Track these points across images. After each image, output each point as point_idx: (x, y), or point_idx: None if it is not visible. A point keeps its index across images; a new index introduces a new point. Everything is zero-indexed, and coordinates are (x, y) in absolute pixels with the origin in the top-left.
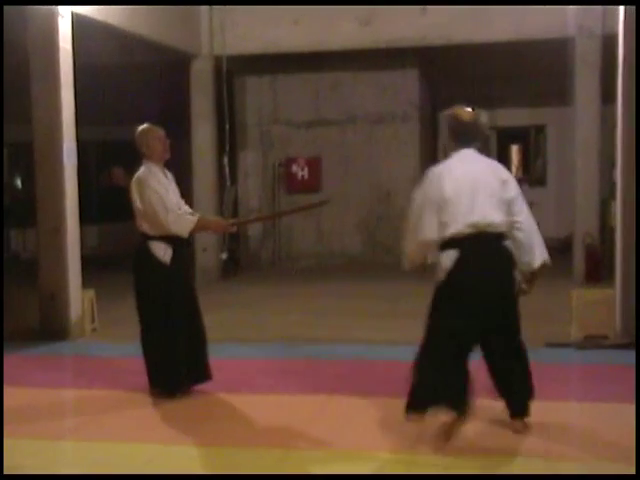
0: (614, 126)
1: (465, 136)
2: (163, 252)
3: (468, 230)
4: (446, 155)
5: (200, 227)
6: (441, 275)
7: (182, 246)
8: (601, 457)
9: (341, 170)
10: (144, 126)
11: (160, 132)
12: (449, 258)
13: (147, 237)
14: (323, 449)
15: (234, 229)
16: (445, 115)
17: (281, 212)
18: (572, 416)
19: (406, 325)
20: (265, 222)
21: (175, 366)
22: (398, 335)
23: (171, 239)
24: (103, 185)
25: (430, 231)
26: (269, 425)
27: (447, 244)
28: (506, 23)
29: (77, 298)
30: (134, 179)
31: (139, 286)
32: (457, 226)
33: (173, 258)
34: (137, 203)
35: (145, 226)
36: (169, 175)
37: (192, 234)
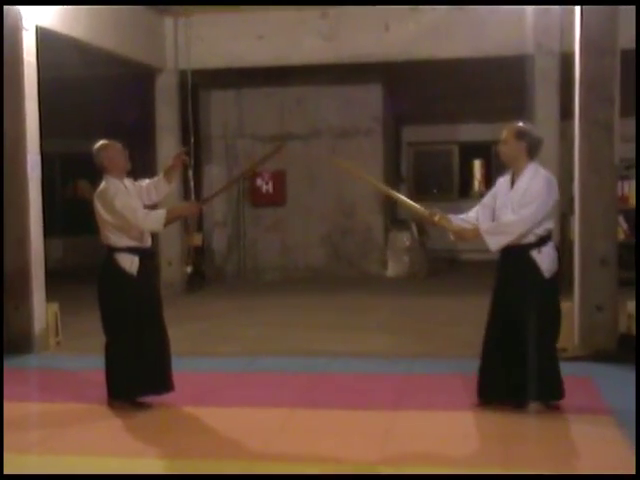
0: (572, 141)
1: (538, 150)
2: (130, 263)
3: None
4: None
5: (171, 216)
6: (554, 266)
7: (148, 257)
8: (574, 469)
9: (305, 184)
10: (102, 142)
11: (118, 145)
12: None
13: (113, 249)
14: (286, 461)
15: (203, 206)
16: (523, 129)
17: (243, 173)
18: (531, 427)
19: (369, 337)
20: (229, 188)
21: (138, 375)
22: (362, 347)
23: (137, 250)
24: (68, 198)
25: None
26: (233, 437)
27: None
28: (467, 40)
29: (41, 311)
30: (97, 193)
31: (105, 297)
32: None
33: (139, 269)
34: (103, 215)
35: (112, 238)
36: (133, 186)
37: (167, 225)
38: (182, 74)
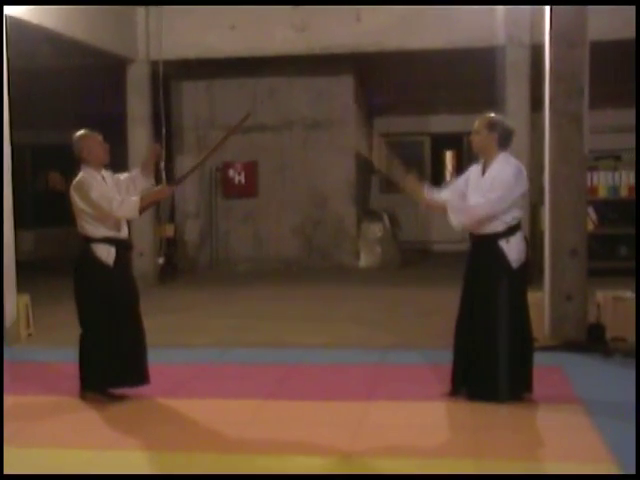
0: (543, 132)
1: (509, 141)
2: (106, 254)
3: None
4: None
5: (146, 202)
6: (521, 256)
7: (125, 248)
8: (544, 458)
9: (278, 175)
10: (82, 132)
11: (98, 137)
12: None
13: (89, 240)
14: (257, 453)
15: (175, 188)
16: (494, 120)
17: (212, 148)
18: (500, 416)
19: (342, 328)
20: (201, 165)
21: (114, 367)
22: (334, 338)
23: (114, 241)
24: (39, 189)
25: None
26: (206, 429)
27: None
28: (438, 31)
29: (12, 303)
30: (74, 183)
31: (81, 288)
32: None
33: (116, 260)
34: (80, 205)
35: (88, 228)
36: (111, 178)
37: (142, 211)
38: (153, 65)
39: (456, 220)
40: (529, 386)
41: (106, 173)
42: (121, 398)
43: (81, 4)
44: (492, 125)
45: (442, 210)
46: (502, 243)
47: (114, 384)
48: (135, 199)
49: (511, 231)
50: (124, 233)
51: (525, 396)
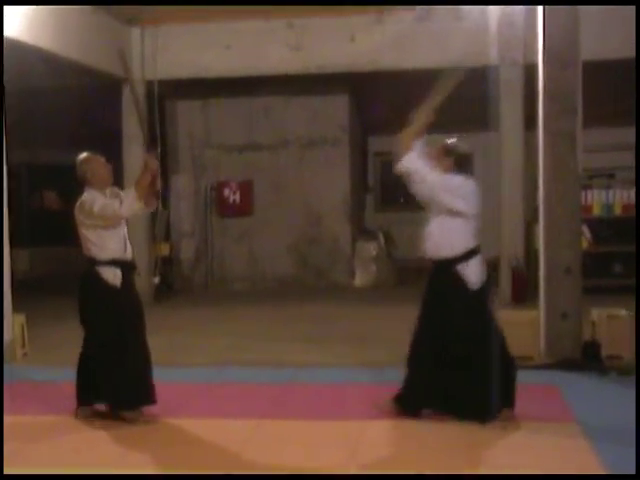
0: (536, 151)
1: (465, 164)
2: (112, 276)
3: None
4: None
5: (139, 187)
6: (480, 279)
7: (129, 269)
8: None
9: (273, 194)
10: (86, 154)
11: (102, 159)
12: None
13: (95, 262)
14: (256, 472)
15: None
16: (450, 146)
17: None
18: (496, 434)
19: (337, 347)
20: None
21: (125, 388)
22: (329, 357)
23: (119, 263)
24: (34, 208)
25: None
26: (201, 449)
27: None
28: (432, 51)
29: (7, 323)
30: (77, 205)
31: (89, 310)
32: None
33: (122, 281)
34: (86, 223)
35: (94, 250)
36: (113, 193)
37: (143, 199)
38: (149, 84)
39: (405, 163)
40: (511, 402)
41: (108, 191)
42: (117, 418)
43: (81, 4)
44: (448, 151)
45: (406, 149)
46: (461, 267)
47: (130, 405)
48: (129, 190)
49: (469, 255)
50: (129, 254)
51: (505, 412)
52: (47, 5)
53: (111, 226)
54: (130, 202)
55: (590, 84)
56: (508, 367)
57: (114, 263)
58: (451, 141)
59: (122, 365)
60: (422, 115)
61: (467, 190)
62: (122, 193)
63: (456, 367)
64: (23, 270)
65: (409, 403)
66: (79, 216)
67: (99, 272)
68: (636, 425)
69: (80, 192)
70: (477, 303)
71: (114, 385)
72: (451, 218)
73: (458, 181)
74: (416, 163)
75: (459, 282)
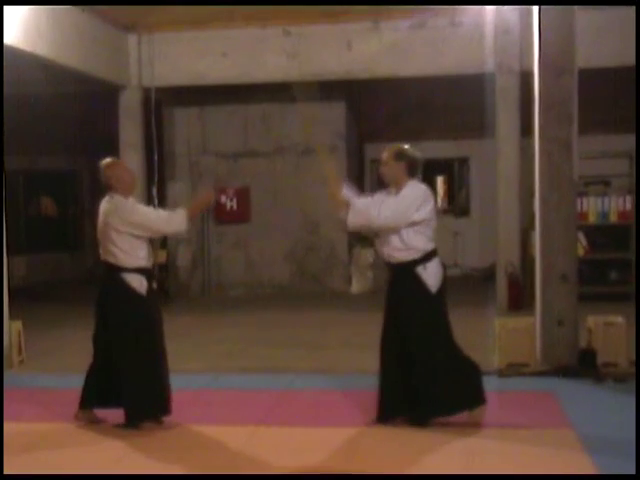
0: (532, 158)
1: (417, 169)
2: (139, 284)
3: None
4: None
5: (193, 212)
6: (439, 281)
7: (150, 278)
8: None
9: (270, 200)
10: (112, 159)
11: (124, 164)
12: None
13: (120, 269)
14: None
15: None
16: (401, 151)
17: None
18: (493, 442)
19: (334, 354)
20: None
21: (159, 395)
22: (326, 364)
23: (144, 271)
24: (32, 215)
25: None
26: (197, 455)
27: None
28: (428, 58)
29: (4, 329)
30: (112, 208)
31: (118, 318)
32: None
33: (147, 289)
34: (121, 229)
35: (122, 257)
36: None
37: (189, 222)
38: (146, 91)
39: (350, 220)
40: (479, 399)
41: (131, 200)
42: (118, 425)
43: (81, 4)
44: (399, 155)
45: (344, 207)
46: (419, 270)
47: (148, 414)
48: (182, 211)
49: (427, 257)
50: (151, 262)
51: (475, 408)
52: (47, 5)
53: (144, 236)
54: (178, 221)
55: (586, 91)
56: (468, 366)
57: (140, 271)
58: (401, 146)
59: (150, 373)
60: (331, 177)
61: (421, 197)
62: (165, 211)
63: (416, 369)
64: (20, 276)
65: (380, 410)
66: (113, 220)
67: (126, 280)
68: (636, 425)
69: (95, 197)
70: (436, 305)
71: (138, 393)
72: (410, 226)
73: (410, 193)
74: (360, 214)
75: (418, 285)
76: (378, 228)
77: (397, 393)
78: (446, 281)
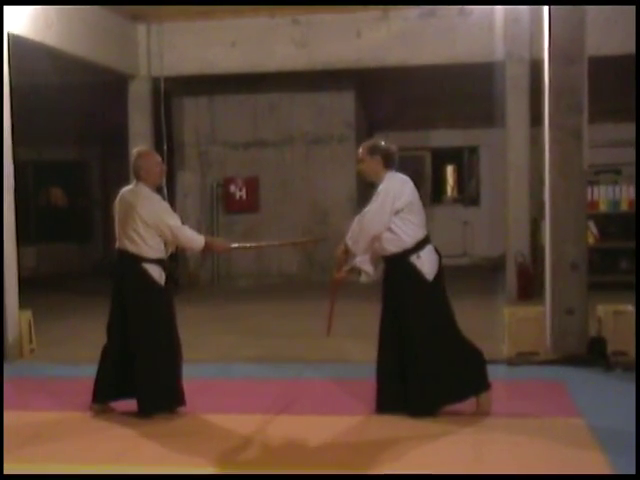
0: (542, 147)
1: (393, 161)
2: (159, 275)
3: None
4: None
5: (207, 248)
6: (434, 268)
7: (165, 269)
8: (544, 472)
9: (279, 190)
10: (143, 149)
11: (156, 156)
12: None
13: (142, 259)
14: (259, 469)
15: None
16: (373, 145)
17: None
18: (502, 431)
19: (343, 343)
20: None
21: (178, 386)
22: (335, 353)
23: (161, 262)
24: (41, 205)
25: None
26: (206, 445)
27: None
28: (438, 47)
29: (15, 319)
30: (134, 200)
31: (140, 308)
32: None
33: (164, 281)
34: (148, 221)
35: (143, 248)
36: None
37: (203, 252)
38: (155, 81)
39: (357, 250)
40: (483, 385)
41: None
42: (123, 413)
43: (81, 4)
44: (373, 150)
45: (347, 255)
46: (413, 259)
47: (171, 405)
48: (202, 239)
49: (420, 246)
50: (167, 254)
51: (481, 394)
52: (48, 5)
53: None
54: (196, 245)
55: (596, 80)
56: (470, 351)
57: (158, 262)
58: (373, 140)
59: (167, 364)
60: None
61: (399, 184)
62: (186, 229)
63: (419, 359)
64: (30, 267)
65: (377, 400)
66: (141, 210)
67: (147, 270)
68: (636, 425)
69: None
70: (434, 292)
71: (154, 384)
72: (396, 215)
73: (387, 184)
74: (353, 232)
75: (414, 274)
76: (370, 226)
77: (395, 384)
78: (442, 267)
